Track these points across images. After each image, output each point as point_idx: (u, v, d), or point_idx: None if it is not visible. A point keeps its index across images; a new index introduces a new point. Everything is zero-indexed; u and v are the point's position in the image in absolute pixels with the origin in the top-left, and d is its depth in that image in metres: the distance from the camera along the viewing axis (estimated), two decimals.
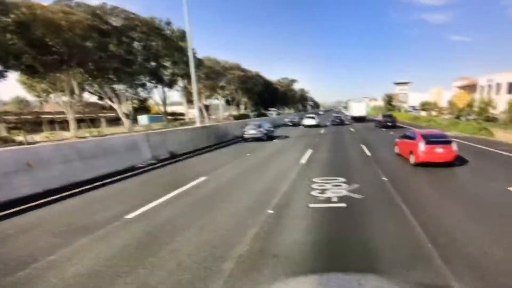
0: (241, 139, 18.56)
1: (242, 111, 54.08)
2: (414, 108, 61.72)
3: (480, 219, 5.21)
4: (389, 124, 26.08)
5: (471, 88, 51.03)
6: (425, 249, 4.11)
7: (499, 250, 4.01)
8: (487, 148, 13.41)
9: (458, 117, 29.41)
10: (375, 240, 4.42)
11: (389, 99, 62.68)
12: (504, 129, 18.49)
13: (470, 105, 28.75)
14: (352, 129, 26.51)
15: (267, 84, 59.99)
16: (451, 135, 12.86)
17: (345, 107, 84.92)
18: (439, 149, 9.14)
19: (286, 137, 20.79)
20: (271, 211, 5.65)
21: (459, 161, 9.93)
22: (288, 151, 13.97)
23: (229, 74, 44.43)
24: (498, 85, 43.22)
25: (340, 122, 32.21)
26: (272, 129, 20.47)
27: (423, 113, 46.94)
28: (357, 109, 37.31)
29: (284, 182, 7.92)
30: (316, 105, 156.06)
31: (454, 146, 9.25)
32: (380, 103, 75.46)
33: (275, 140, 18.39)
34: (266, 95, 58.94)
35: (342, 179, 7.96)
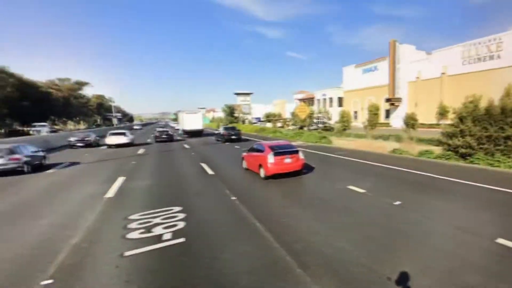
0: None
1: None
2: (259, 119, 79.51)
3: (327, 218, 7.42)
4: (233, 137, 31.64)
5: (309, 101, 77.27)
6: (283, 262, 5.22)
7: (345, 243, 5.88)
8: (328, 154, 19.77)
9: (301, 128, 41.21)
10: (229, 270, 5.06)
11: (230, 110, 75.96)
12: (339, 136, 28.26)
13: (310, 116, 41.65)
14: (186, 146, 29.43)
15: (27, 86, 56.94)
16: (297, 145, 17.66)
17: (175, 120, 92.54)
18: (287, 159, 12.20)
19: (74, 163, 19.20)
20: (46, 282, 4.96)
21: (306, 168, 13.72)
22: (77, 185, 13.07)
23: None
24: (331, 99, 72.20)
25: (167, 138, 34.62)
26: (42, 154, 18.83)
27: (269, 125, 61.36)
28: (191, 122, 42.35)
29: (73, 230, 7.36)
30: (128, 118, 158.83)
31: (301, 155, 12.72)
32: (221, 114, 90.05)
33: (49, 171, 17.18)
34: (26, 104, 55.35)
35: (177, 208, 8.54)
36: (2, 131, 48.75)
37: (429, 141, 19.68)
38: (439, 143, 16.78)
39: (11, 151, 15.95)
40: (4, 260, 5.88)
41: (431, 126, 35.52)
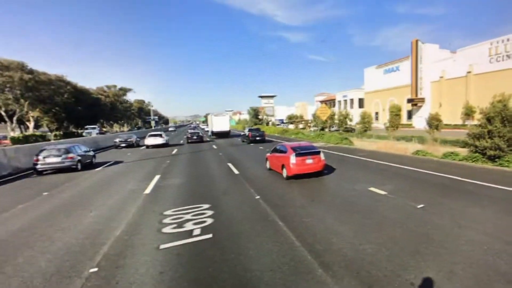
0: (33, 171, 17.04)
1: (32, 131, 49.69)
2: (282, 121, 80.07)
3: (349, 219, 7.29)
4: (257, 138, 32.01)
5: (330, 102, 77.01)
6: (305, 262, 5.17)
7: (367, 245, 5.71)
8: (348, 155, 19.37)
9: (323, 129, 40.71)
10: (252, 267, 5.08)
11: (255, 113, 76.90)
12: (360, 138, 27.70)
13: (331, 117, 41.11)
14: (214, 146, 30.05)
15: (80, 93, 60.06)
16: (318, 146, 17.45)
17: (204, 122, 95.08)
18: (309, 160, 12.13)
19: (118, 162, 20.68)
20: (93, 270, 5.30)
21: (327, 169, 13.57)
22: (121, 181, 13.82)
23: (3, 76, 41.70)
24: (352, 100, 71.01)
25: (198, 139, 35.78)
26: (91, 153, 20.13)
27: (291, 126, 61.42)
28: (219, 124, 43.63)
29: (117, 222, 7.80)
30: (164, 121, 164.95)
31: (322, 156, 12.59)
32: (246, 116, 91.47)
33: (97, 168, 18.20)
34: (80, 108, 58.87)
35: (206, 206, 8.80)
36: (61, 132, 51.39)
37: (454, 143, 18.79)
38: (465, 144, 15.81)
39: (67, 151, 17.14)
40: (61, 248, 6.41)
41: (456, 127, 34.05)
